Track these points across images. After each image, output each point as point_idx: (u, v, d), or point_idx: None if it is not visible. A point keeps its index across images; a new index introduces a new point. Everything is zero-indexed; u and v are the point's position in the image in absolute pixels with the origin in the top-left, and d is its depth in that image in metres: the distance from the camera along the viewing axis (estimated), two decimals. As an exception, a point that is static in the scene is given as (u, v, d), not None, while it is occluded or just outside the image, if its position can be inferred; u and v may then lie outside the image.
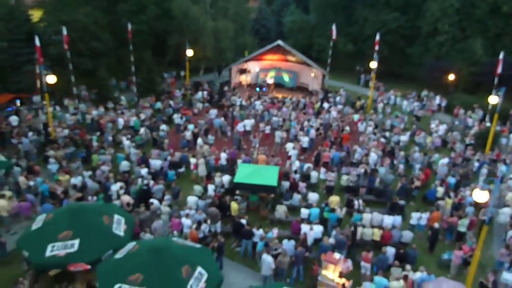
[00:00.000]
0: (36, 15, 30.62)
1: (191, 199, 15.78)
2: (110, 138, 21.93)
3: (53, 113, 23.22)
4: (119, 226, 11.98)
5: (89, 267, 10.71)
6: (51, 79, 21.04)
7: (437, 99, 31.38)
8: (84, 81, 28.88)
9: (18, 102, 25.90)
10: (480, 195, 11.72)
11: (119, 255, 10.56)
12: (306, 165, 19.25)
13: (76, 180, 16.93)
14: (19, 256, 12.30)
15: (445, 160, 20.28)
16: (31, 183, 16.41)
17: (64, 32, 23.45)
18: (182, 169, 19.54)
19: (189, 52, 29.95)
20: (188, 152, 20.83)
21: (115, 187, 16.24)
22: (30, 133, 21.10)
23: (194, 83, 33.25)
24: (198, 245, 11.95)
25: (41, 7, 31.73)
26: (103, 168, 17.84)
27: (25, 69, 26.55)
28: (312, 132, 22.98)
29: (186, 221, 14.25)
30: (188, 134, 22.15)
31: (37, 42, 19.90)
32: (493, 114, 22.45)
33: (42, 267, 11.15)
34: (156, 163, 18.85)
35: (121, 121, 23.71)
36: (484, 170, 19.55)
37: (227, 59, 34.65)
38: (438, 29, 33.66)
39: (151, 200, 15.55)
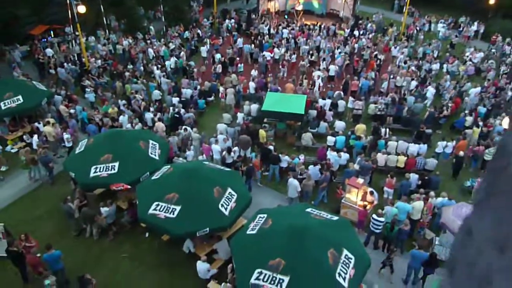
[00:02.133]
0: None
1: (221, 126, 16.14)
2: (142, 68, 22.11)
3: (85, 43, 23.39)
4: (154, 151, 12.57)
5: (129, 186, 11.49)
6: (82, 9, 20.91)
7: (475, 25, 29.29)
8: (113, 10, 28.51)
9: (52, 33, 26.15)
10: (510, 124, 11.37)
11: (155, 176, 11.23)
12: (336, 93, 19.00)
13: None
14: (66, 177, 13.32)
15: (477, 89, 19.49)
16: (72, 111, 17.11)
17: (91, -41, 22.79)
18: (212, 98, 19.73)
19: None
20: (217, 81, 20.85)
21: (149, 114, 16.74)
22: (66, 64, 21.55)
23: (222, 11, 32.21)
24: (228, 169, 12.50)
25: None
26: (137, 96, 18.27)
27: (57, 1, 26.35)
28: (340, 60, 22.31)
29: (215, 147, 14.70)
30: (218, 67, 21.92)
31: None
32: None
33: (87, 187, 12.08)
34: (186, 92, 19.09)
35: (151, 51, 23.69)
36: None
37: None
38: None
39: (184, 126, 16.02)
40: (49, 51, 23.10)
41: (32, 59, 22.74)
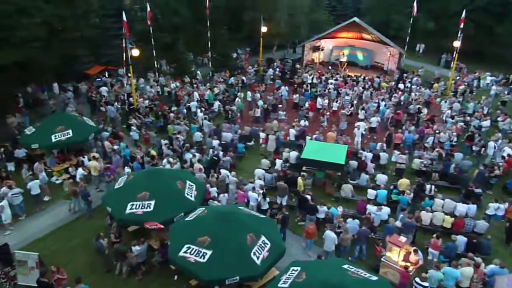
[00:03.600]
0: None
1: (258, 171, 16.03)
2: (185, 110, 22.83)
3: (136, 84, 24.66)
4: (190, 191, 12.56)
5: (162, 226, 11.42)
6: (135, 52, 22.22)
7: (528, 83, 28.22)
8: (164, 55, 30.15)
9: (106, 74, 27.93)
10: None
11: (189, 218, 11.11)
12: (378, 145, 18.54)
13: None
14: (103, 211, 13.51)
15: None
16: (115, 147, 17.71)
17: (148, 8, 24.52)
18: (251, 143, 19.84)
19: (263, 28, 29.82)
20: (258, 126, 21.03)
21: (189, 155, 16.98)
22: (116, 103, 22.70)
23: (267, 60, 33.20)
24: (263, 216, 12.19)
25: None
26: (179, 137, 18.70)
27: (114, 43, 28.39)
28: (387, 112, 21.99)
29: (252, 195, 14.48)
30: (258, 111, 22.27)
31: (124, 18, 21.05)
32: None
33: (122, 222, 12.14)
34: (227, 135, 19.34)
35: (196, 95, 24.51)
36: None
37: (301, 36, 33.99)
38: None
39: (221, 170, 16.06)
40: (103, 90, 24.54)
41: (86, 97, 24.24)
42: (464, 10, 26.17)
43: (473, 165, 17.65)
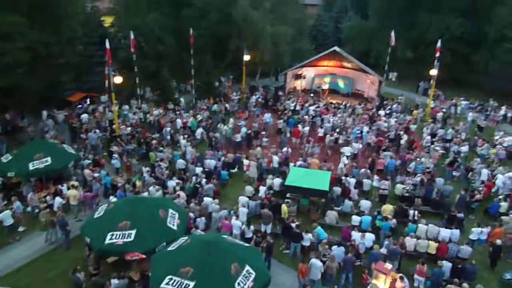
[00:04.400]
0: (108, 20, 32.57)
1: (242, 199, 15.86)
2: (169, 137, 22.66)
3: (119, 111, 24.45)
4: (173, 220, 12.27)
5: (144, 256, 11.06)
6: (118, 79, 22.18)
7: (503, 109, 29.16)
8: (148, 82, 30.15)
9: (88, 101, 27.68)
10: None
11: (171, 247, 10.81)
12: (362, 171, 18.68)
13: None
14: (82, 241, 13.04)
15: (510, 174, 18.70)
16: (96, 174, 17.32)
17: (131, 36, 24.64)
18: (235, 170, 19.72)
19: (247, 57, 30.26)
20: (241, 153, 20.99)
21: (172, 183, 16.73)
22: (97, 130, 22.39)
23: (250, 87, 33.55)
24: (247, 244, 11.96)
25: (113, 13, 33.68)
26: (161, 164, 18.45)
27: (96, 70, 28.28)
28: (369, 138, 22.36)
29: (236, 223, 14.25)
30: (238, 136, 22.32)
31: (107, 45, 21.06)
32: None
33: (101, 253, 11.71)
34: (210, 162, 19.19)
35: (179, 122, 24.42)
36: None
37: (283, 64, 34.59)
38: (506, 35, 31.26)
39: (203, 197, 15.84)
40: (84, 116, 24.24)
41: (66, 124, 23.87)
42: (440, 40, 27.19)
43: (454, 190, 17.87)
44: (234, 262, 9.89)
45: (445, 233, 14.37)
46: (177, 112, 26.54)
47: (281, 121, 24.80)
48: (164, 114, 26.05)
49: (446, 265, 12.58)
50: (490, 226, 14.80)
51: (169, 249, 10.81)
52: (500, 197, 17.28)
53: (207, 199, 15.74)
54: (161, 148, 20.40)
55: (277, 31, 32.73)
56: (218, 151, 20.81)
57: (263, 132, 23.65)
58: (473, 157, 21.37)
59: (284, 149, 20.78)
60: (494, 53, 32.53)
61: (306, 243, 13.75)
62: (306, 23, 42.92)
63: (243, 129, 23.38)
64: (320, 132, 23.41)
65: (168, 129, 23.11)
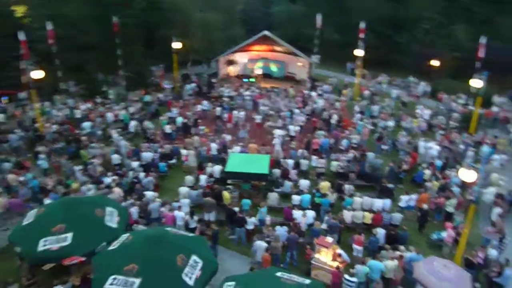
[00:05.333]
0: (19, 10, 29.83)
1: (183, 190, 15.66)
2: (100, 132, 21.58)
3: (41, 109, 22.74)
4: (112, 218, 11.79)
5: (83, 259, 10.54)
6: (37, 74, 20.54)
7: (422, 85, 31.51)
8: (72, 76, 28.28)
9: (5, 99, 25.34)
10: (467, 175, 11.84)
11: (113, 246, 10.40)
12: (299, 151, 19.24)
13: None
14: (11, 252, 12.09)
15: (432, 143, 20.40)
16: (21, 178, 16.07)
17: (49, 27, 22.85)
18: (174, 161, 19.36)
19: (177, 45, 29.47)
20: (179, 143, 20.62)
21: (107, 180, 16.03)
22: (18, 130, 20.68)
23: (183, 75, 32.86)
24: (192, 234, 11.88)
25: (23, 2, 30.86)
26: (94, 161, 17.57)
27: (12, 65, 25.90)
28: (301, 119, 23.00)
29: (179, 214, 14.08)
30: (168, 128, 21.88)
31: (22, 37, 19.35)
32: (476, 98, 22.53)
33: (35, 262, 10.96)
34: (147, 155, 18.63)
35: (109, 115, 23.32)
36: (470, 152, 19.72)
37: (216, 51, 34.24)
38: (423, 16, 33.63)
39: (144, 192, 15.39)
40: (1, 117, 22.21)
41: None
42: (363, 22, 28.50)
43: (383, 163, 19.10)
44: (179, 254, 9.78)
45: (378, 203, 15.38)
46: (107, 106, 25.29)
47: (218, 108, 24.66)
48: (93, 108, 24.69)
49: (381, 232, 13.51)
50: (417, 193, 16.09)
51: (110, 248, 10.40)
52: (424, 165, 18.78)
53: (148, 193, 15.32)
54: (93, 144, 19.39)
55: (207, 18, 32.22)
56: (154, 143, 20.23)
57: (199, 120, 23.38)
58: (399, 131, 22.92)
59: (224, 136, 20.79)
60: (413, 33, 34.89)
61: (250, 226, 13.99)
62: (236, 8, 42.71)
63: (179, 119, 22.93)
64: (258, 118, 23.65)
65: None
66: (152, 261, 9.49)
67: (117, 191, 15.07)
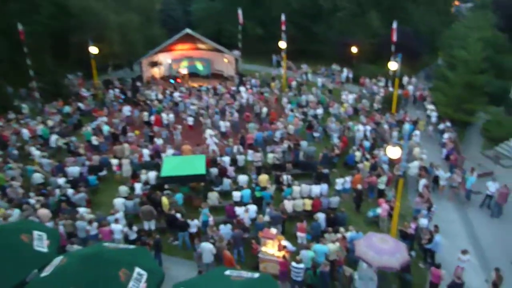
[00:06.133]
0: None
1: (118, 201, 14.99)
2: (15, 151, 19.86)
3: None
4: (40, 242, 10.92)
5: (12, 292, 9.68)
6: None
7: (345, 72, 33.19)
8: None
9: None
10: (393, 152, 12.71)
11: (46, 272, 9.65)
12: (235, 148, 19.32)
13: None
14: None
15: (359, 126, 21.59)
16: None
17: None
18: (104, 172, 18.45)
19: (93, 50, 28.01)
20: (107, 153, 19.68)
21: (31, 201, 14.84)
22: None
23: (104, 81, 31.35)
24: (132, 246, 11.43)
25: None
26: (13, 183, 16.17)
27: None
28: (235, 116, 23.11)
29: (116, 227, 13.47)
30: (94, 139, 20.80)
31: None
32: (394, 80, 24.24)
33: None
34: (73, 170, 17.55)
35: (25, 132, 21.55)
36: (394, 132, 21.18)
37: (137, 53, 33.08)
38: (337, 5, 35.34)
39: (76, 209, 14.50)
40: None
41: None
42: (283, 14, 29.27)
43: (317, 150, 19.85)
44: (121, 268, 9.33)
45: (316, 189, 16.02)
46: (21, 121, 23.33)
47: (146, 113, 23.92)
48: (5, 126, 22.63)
49: (321, 217, 14.07)
50: (350, 175, 16.96)
51: (43, 275, 9.63)
52: (354, 148, 19.84)
53: (81, 210, 14.46)
54: (10, 165, 17.81)
55: (123, 20, 30.96)
56: (79, 156, 19.07)
57: (128, 127, 22.51)
58: (327, 117, 23.94)
59: (156, 140, 20.28)
60: (330, 23, 36.53)
61: (193, 229, 13.80)
62: (153, 8, 41.58)
63: (105, 127, 21.88)
64: (190, 120, 23.31)
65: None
66: (92, 281, 8.96)
67: (44, 213, 14.00)
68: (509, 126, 21.03)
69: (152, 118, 23.35)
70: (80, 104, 26.29)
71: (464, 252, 12.20)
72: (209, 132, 21.09)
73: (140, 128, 23.11)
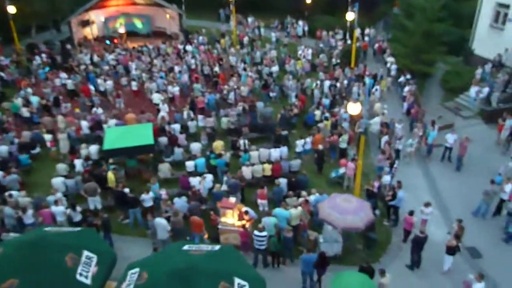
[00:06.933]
0: None
1: (56, 181, 14.49)
2: None
3: None
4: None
5: None
6: None
7: (300, 24, 33.10)
8: None
9: None
10: (353, 108, 13.06)
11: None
12: (184, 113, 19.07)
13: None
14: None
15: (317, 82, 21.91)
16: None
17: None
18: (37, 150, 17.66)
19: (11, 9, 25.95)
20: (39, 127, 18.76)
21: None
22: None
23: (28, 46, 29.39)
24: (78, 228, 11.21)
25: None
26: None
27: None
28: (184, 78, 22.66)
29: (57, 209, 13.06)
30: (25, 111, 19.78)
31: None
32: (352, 32, 24.54)
33: None
34: (1, 149, 16.64)
35: None
36: (354, 87, 21.65)
37: (63, 11, 31.09)
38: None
39: (8, 193, 13.84)
40: None
41: None
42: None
43: (274, 111, 19.99)
44: (67, 253, 9.16)
45: (275, 153, 16.28)
46: None
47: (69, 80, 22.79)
48: None
49: (283, 181, 14.39)
50: (311, 135, 17.32)
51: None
52: (313, 107, 20.18)
53: (14, 193, 13.83)
54: None
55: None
56: (7, 133, 18.04)
57: (61, 97, 21.45)
58: (284, 75, 24.02)
59: (95, 110, 19.56)
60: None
61: (148, 203, 13.63)
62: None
63: (34, 98, 20.72)
64: (133, 85, 22.54)
65: None
66: (34, 270, 8.75)
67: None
68: (468, 76, 22.13)
69: (92, 87, 22.23)
70: (1, 74, 24.57)
71: (427, 204, 13.01)
72: (157, 96, 20.57)
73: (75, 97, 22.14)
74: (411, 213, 12.61)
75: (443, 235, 12.95)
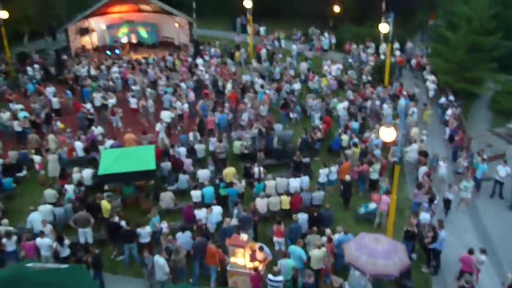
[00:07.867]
0: None
1: (44, 209, 14.60)
2: None
3: None
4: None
5: None
6: None
7: (326, 36, 33.35)
8: None
9: None
10: (386, 134, 12.92)
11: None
12: (191, 135, 19.19)
13: None
14: None
15: (345, 103, 21.85)
16: None
17: None
18: (23, 172, 17.92)
19: (2, 14, 26.84)
20: (27, 148, 19.07)
21: None
22: None
23: (19, 55, 30.22)
24: (65, 265, 11.21)
25: None
26: None
27: None
28: (191, 96, 22.90)
29: (43, 241, 13.12)
30: (15, 123, 20.18)
31: None
32: (387, 45, 24.55)
33: None
34: (-20, 172, 16.97)
35: None
36: (387, 108, 21.51)
37: (59, 17, 32.02)
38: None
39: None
40: None
41: None
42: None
43: (294, 134, 19.97)
44: (51, 294, 9.18)
45: (294, 183, 16.14)
46: None
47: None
48: None
49: (302, 217, 14.19)
50: (336, 164, 17.17)
51: None
52: (340, 130, 20.08)
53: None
54: None
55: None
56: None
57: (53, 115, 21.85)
58: (306, 94, 24.08)
59: (93, 129, 19.90)
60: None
61: (145, 239, 13.61)
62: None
63: (21, 114, 21.10)
64: (133, 102, 22.84)
65: None
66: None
67: None
68: (522, 98, 21.90)
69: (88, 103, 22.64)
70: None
71: (483, 251, 12.52)
72: (167, 114, 20.79)
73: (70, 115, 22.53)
74: (471, 251, 12.26)
75: (494, 285, 12.55)
